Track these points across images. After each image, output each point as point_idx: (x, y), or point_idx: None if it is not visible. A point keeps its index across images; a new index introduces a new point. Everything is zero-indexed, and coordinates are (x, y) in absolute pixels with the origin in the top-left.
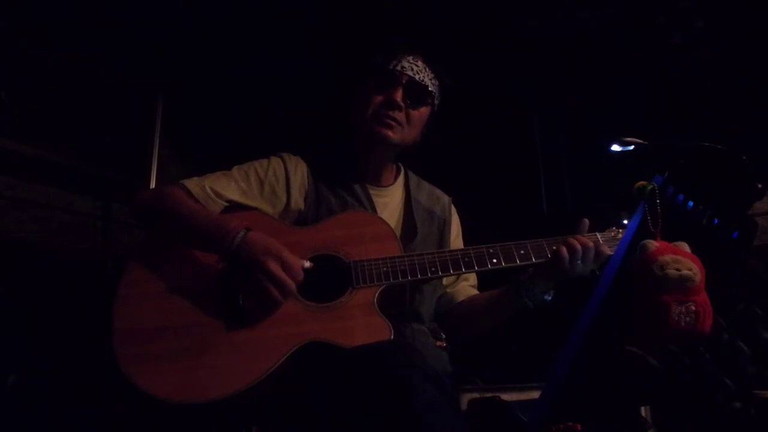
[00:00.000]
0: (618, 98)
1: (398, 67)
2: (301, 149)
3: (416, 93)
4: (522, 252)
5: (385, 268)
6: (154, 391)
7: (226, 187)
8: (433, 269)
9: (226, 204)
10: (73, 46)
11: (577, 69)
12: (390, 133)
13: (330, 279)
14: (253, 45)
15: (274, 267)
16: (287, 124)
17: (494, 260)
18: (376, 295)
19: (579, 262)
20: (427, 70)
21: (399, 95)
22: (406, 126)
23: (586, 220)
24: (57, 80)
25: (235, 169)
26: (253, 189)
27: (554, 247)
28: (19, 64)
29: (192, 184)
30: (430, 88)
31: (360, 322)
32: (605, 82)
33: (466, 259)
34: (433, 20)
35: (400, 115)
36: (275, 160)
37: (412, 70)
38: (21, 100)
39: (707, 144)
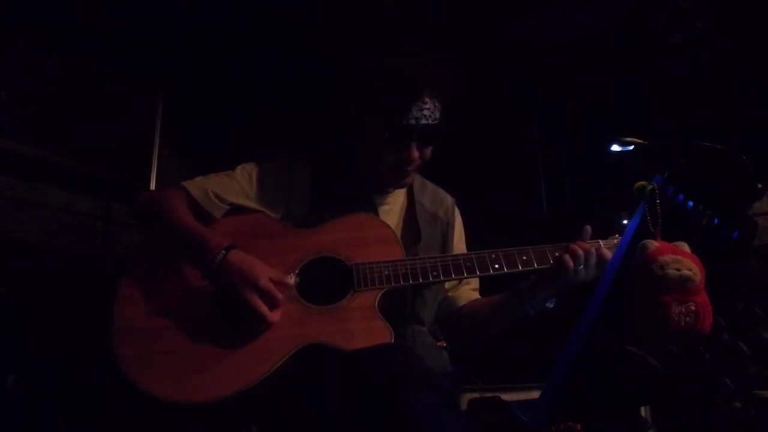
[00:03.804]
0: (618, 98)
1: (412, 120)
2: (303, 150)
3: (430, 136)
4: (524, 258)
5: (386, 272)
6: (154, 391)
7: (229, 189)
8: (434, 273)
9: (228, 207)
10: (73, 46)
11: (577, 69)
12: (407, 181)
13: (331, 281)
14: (253, 45)
15: (249, 296)
16: (287, 124)
17: (496, 265)
18: (378, 298)
19: (581, 268)
20: (436, 104)
21: (414, 150)
22: (421, 165)
23: (588, 227)
24: (57, 80)
25: (238, 170)
26: (255, 191)
27: (557, 254)
28: (19, 64)
29: (194, 186)
30: (439, 122)
31: (360, 325)
32: (605, 82)
33: (468, 263)
34: (433, 20)
35: (415, 163)
36: (278, 162)
37: (425, 116)
38: (21, 100)
39: (707, 144)
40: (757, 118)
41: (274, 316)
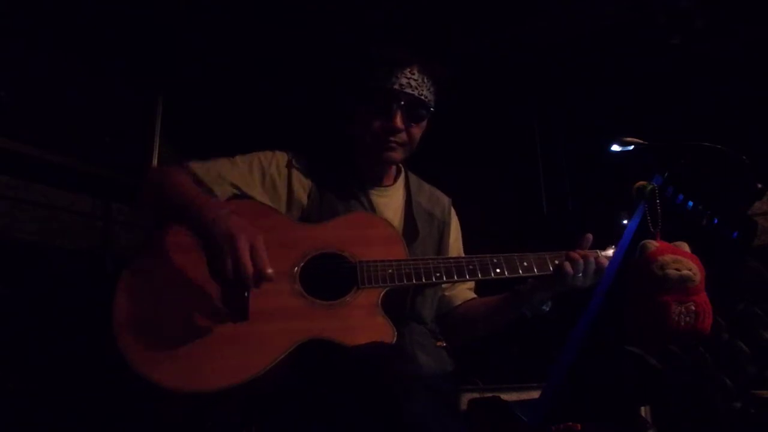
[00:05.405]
0: (618, 98)
1: (396, 86)
2: (303, 148)
3: (415, 110)
4: (525, 264)
5: (390, 271)
6: (157, 379)
7: (230, 170)
8: (437, 275)
9: (230, 187)
10: (74, 46)
11: (578, 69)
12: (393, 155)
13: (335, 277)
14: (253, 44)
15: (240, 246)
16: (287, 124)
17: (498, 270)
18: (381, 296)
19: (580, 275)
20: (425, 80)
21: (399, 119)
22: (408, 144)
23: (590, 235)
24: (57, 80)
25: (238, 157)
26: (255, 178)
27: (556, 261)
28: (19, 64)
29: (197, 165)
30: (427, 100)
31: (363, 323)
32: (605, 82)
33: (471, 267)
34: (433, 20)
35: (402, 137)
36: (279, 154)
37: (410, 85)
38: (21, 100)
39: (707, 144)
40: (757, 118)
41: (251, 275)
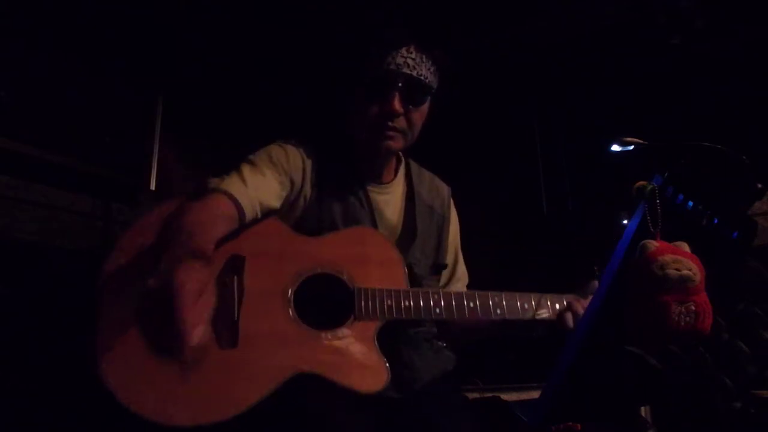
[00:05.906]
0: (618, 98)
1: (392, 66)
2: (301, 144)
3: (415, 91)
4: (525, 306)
5: (389, 302)
6: (132, 406)
7: (270, 195)
8: (437, 311)
9: (257, 204)
10: (74, 46)
11: (578, 68)
12: (392, 143)
13: (330, 300)
14: (253, 44)
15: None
16: (287, 124)
17: (498, 311)
18: (377, 329)
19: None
20: (424, 59)
21: (397, 102)
22: (409, 131)
23: (596, 282)
24: (57, 80)
25: (261, 165)
26: (285, 180)
27: (557, 306)
28: (19, 64)
29: (239, 193)
30: (428, 81)
31: (357, 359)
32: (605, 82)
33: (471, 305)
34: (433, 20)
35: (400, 122)
36: (290, 148)
37: (408, 65)
38: (21, 100)
39: (707, 144)
40: (757, 118)
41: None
